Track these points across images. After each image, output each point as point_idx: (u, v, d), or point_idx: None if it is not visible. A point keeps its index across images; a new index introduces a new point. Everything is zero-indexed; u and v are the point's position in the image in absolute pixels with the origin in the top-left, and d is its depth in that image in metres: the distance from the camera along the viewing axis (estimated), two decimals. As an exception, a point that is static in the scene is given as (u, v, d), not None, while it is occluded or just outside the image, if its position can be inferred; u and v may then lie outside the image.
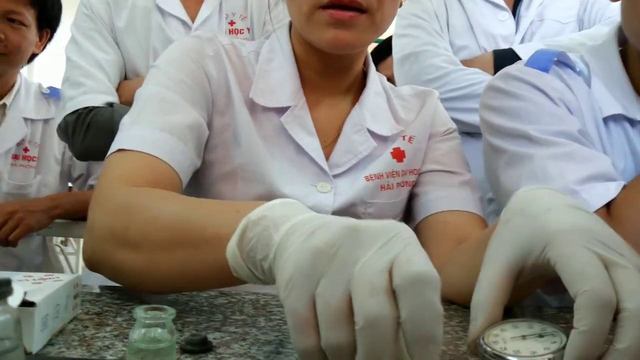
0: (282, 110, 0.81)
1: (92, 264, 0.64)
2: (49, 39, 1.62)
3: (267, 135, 0.80)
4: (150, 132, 0.70)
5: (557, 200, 0.47)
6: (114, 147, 0.70)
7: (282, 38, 0.86)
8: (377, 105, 0.86)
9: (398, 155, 0.85)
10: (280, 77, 0.82)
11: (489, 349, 0.40)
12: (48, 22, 1.57)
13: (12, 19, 1.45)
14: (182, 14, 1.30)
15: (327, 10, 0.74)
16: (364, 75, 0.89)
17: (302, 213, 0.45)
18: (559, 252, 0.41)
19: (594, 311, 0.37)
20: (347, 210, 0.81)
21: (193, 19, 1.31)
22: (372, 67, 0.89)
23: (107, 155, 0.70)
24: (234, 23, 1.33)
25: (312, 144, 0.81)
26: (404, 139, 0.87)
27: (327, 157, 0.82)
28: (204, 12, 1.31)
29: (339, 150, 0.83)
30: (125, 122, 0.73)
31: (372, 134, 0.84)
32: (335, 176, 0.82)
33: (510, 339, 0.41)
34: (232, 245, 0.47)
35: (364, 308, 0.36)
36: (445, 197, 0.84)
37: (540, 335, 0.41)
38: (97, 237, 0.62)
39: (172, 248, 0.55)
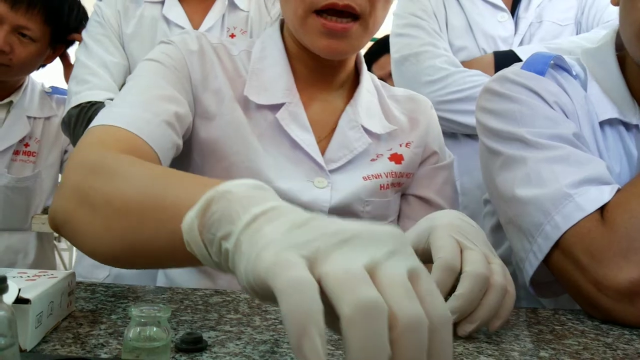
0: (276, 107, 0.81)
1: (56, 224, 0.61)
2: (66, 48, 1.62)
3: (261, 132, 0.80)
4: (133, 111, 0.69)
5: (452, 214, 0.67)
6: (95, 122, 0.68)
7: (274, 36, 0.86)
8: (369, 103, 0.87)
9: (396, 158, 0.86)
10: (274, 75, 0.83)
11: None
12: (64, 39, 1.57)
13: (22, 33, 1.45)
14: (187, 24, 1.36)
15: (320, 17, 0.75)
16: (357, 72, 0.89)
17: (273, 199, 0.41)
18: (433, 237, 0.62)
19: (440, 271, 0.57)
20: (345, 208, 0.80)
21: (196, 29, 1.37)
22: (363, 64, 0.90)
23: (88, 127, 0.68)
24: (234, 36, 1.40)
25: (307, 139, 0.81)
26: (401, 145, 0.87)
27: (322, 153, 0.82)
28: (207, 23, 1.37)
29: (334, 145, 0.82)
30: (113, 102, 0.73)
31: (367, 131, 0.84)
32: (331, 171, 0.81)
33: None
34: (190, 216, 0.43)
35: (403, 309, 0.33)
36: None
37: None
38: (63, 194, 0.60)
39: (129, 214, 0.51)
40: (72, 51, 1.63)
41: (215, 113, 0.79)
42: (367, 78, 0.89)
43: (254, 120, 0.80)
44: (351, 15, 0.75)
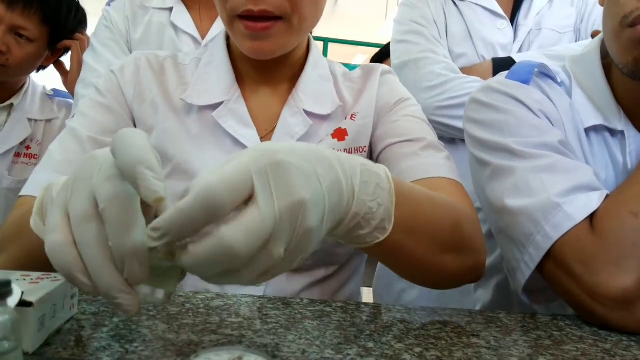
0: (216, 107, 0.83)
1: None
2: (64, 53, 1.63)
3: (201, 133, 0.82)
4: (50, 177, 0.76)
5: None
6: (22, 191, 0.79)
7: (221, 39, 0.89)
8: (318, 88, 0.87)
9: (339, 134, 0.85)
10: (217, 76, 0.85)
11: None
12: (62, 40, 1.57)
13: (19, 33, 1.46)
14: (194, 31, 1.37)
15: (243, 20, 0.77)
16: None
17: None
18: None
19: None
20: None
21: (204, 36, 1.37)
22: (314, 53, 0.90)
23: (19, 195, 0.79)
24: None
25: (247, 134, 0.82)
26: (345, 118, 0.86)
27: None
28: (214, 30, 1.37)
29: (277, 135, 0.83)
30: (41, 163, 0.83)
31: (310, 114, 0.84)
32: None
33: None
34: (33, 218, 0.52)
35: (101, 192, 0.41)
36: (409, 168, 0.79)
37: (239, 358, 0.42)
38: None
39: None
40: (66, 59, 1.64)
41: (153, 124, 0.84)
42: (320, 65, 0.89)
43: (193, 123, 0.83)
44: (270, 18, 0.76)
